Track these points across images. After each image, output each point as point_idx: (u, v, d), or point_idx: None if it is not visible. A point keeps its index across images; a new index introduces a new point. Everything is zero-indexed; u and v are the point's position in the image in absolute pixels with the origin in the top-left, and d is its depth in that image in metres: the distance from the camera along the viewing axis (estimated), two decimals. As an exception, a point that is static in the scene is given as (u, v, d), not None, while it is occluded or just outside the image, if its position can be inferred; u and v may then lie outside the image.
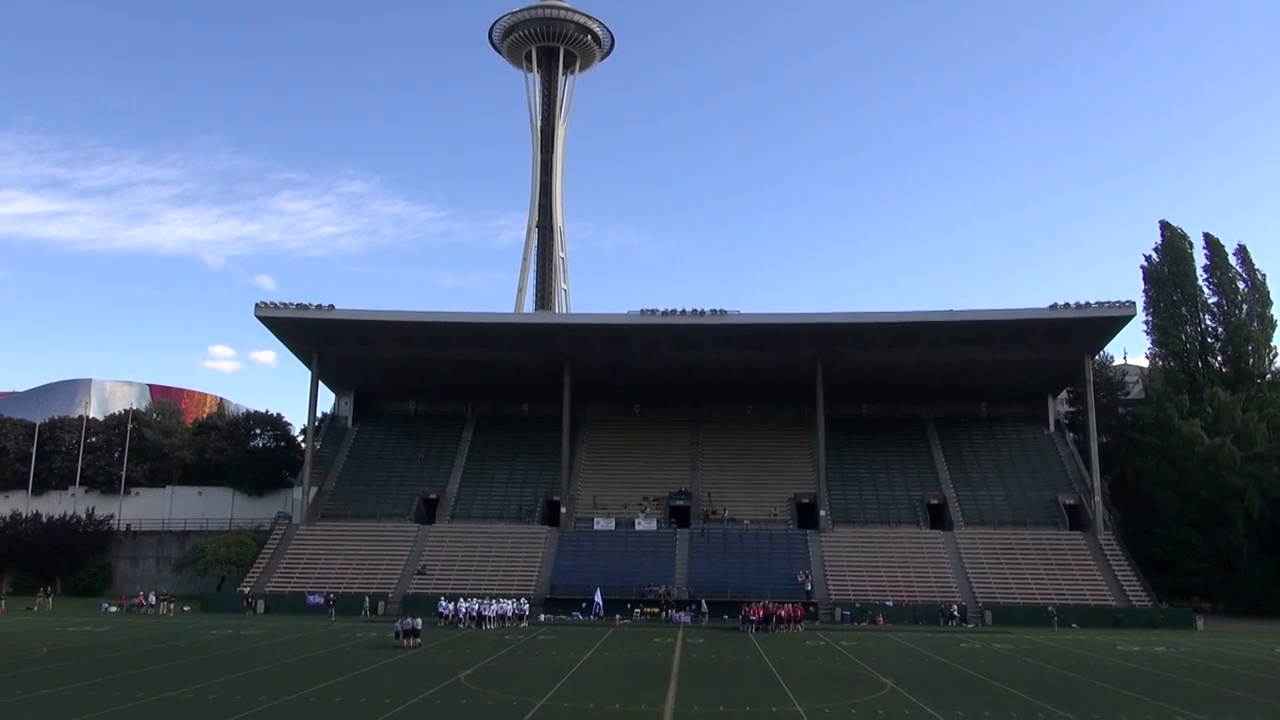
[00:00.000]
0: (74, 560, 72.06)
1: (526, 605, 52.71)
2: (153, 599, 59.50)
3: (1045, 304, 63.07)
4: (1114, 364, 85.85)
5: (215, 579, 67.69)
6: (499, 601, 51.14)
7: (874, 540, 65.37)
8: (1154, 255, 78.05)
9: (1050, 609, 55.40)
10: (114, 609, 58.38)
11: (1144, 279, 77.93)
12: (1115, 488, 73.70)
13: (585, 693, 25.36)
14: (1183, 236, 77.53)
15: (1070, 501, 68.93)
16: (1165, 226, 78.14)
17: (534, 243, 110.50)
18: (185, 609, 58.34)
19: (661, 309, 64.40)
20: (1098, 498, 65.98)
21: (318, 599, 57.20)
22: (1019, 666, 33.81)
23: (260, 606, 57.45)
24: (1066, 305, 62.07)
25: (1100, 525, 65.00)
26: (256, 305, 64.99)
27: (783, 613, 49.91)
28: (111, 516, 75.36)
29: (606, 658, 34.89)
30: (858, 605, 57.13)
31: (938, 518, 69.14)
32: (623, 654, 36.39)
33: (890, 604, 57.30)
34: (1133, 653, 39.47)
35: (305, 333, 67.62)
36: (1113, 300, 62.51)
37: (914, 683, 28.17)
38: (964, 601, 57.81)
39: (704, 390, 76.30)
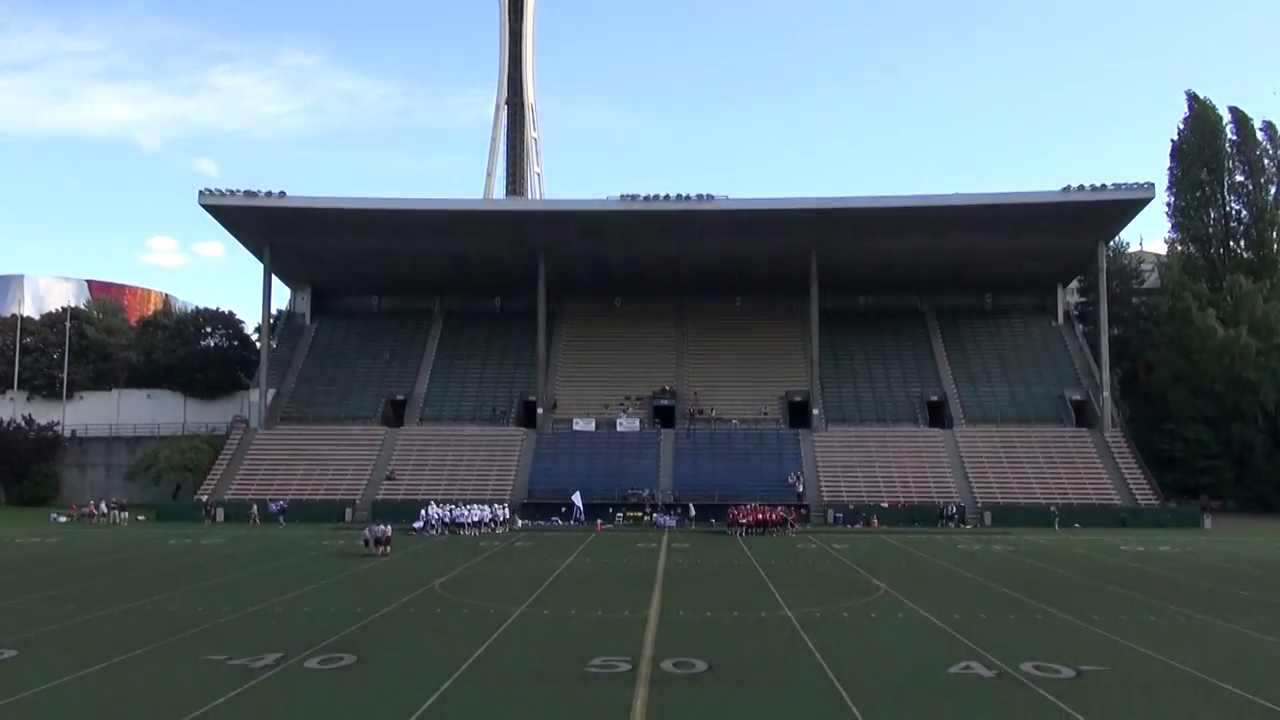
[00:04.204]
0: (18, 469, 72.54)
1: (505, 511, 53.62)
2: (104, 508, 60.16)
3: (1057, 187, 62.93)
4: (1129, 250, 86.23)
5: (170, 487, 68.46)
6: (475, 507, 52.03)
7: (869, 439, 66.56)
8: (1183, 129, 77.60)
9: (1052, 509, 56.94)
10: (64, 519, 59.10)
11: (1171, 155, 77.59)
12: (1125, 383, 74.96)
13: (566, 599, 26.07)
14: (1211, 108, 76.99)
15: (1077, 397, 70.14)
16: (1192, 99, 77.51)
17: (503, 121, 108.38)
18: (139, 518, 59.17)
19: (644, 195, 63.89)
20: (1106, 393, 67.08)
21: (280, 506, 58.00)
22: (1018, 568, 34.94)
23: (220, 515, 58.35)
24: (1080, 188, 61.92)
25: (1108, 422, 66.29)
26: (201, 193, 64.08)
27: (793, 514, 51.81)
28: (56, 423, 75.57)
29: (588, 564, 35.79)
30: (851, 507, 58.55)
31: (937, 415, 70.33)
32: (605, 560, 37.32)
33: (885, 505, 58.72)
34: (1136, 553, 40.78)
35: (255, 223, 66.86)
36: (1130, 182, 62.41)
37: (909, 585, 29.06)
38: (962, 502, 59.31)
39: (690, 282, 76.23)
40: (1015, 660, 17.82)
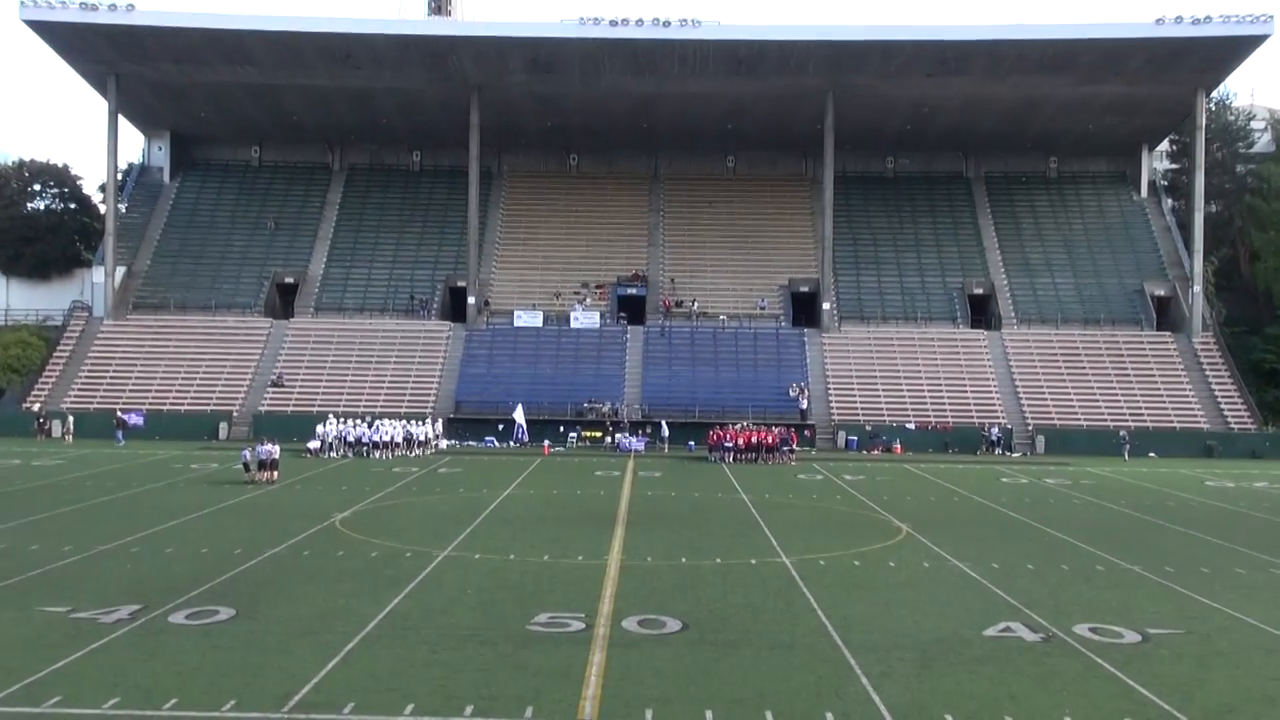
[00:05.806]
0: None
1: (428, 428, 53.79)
2: (-96, 419, 60.00)
3: (1148, 19, 62.48)
4: (1235, 105, 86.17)
5: (-10, 392, 68.15)
6: (387, 423, 52.17)
7: (894, 343, 67.14)
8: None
9: (1122, 434, 57.95)
10: None
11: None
12: (1222, 274, 75.63)
13: (504, 540, 26.35)
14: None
15: (1161, 292, 70.87)
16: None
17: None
18: (-49, 432, 59.07)
19: (610, 18, 62.92)
20: (1197, 287, 67.71)
21: (137, 418, 57.94)
22: (1075, 507, 35.69)
23: (57, 429, 58.24)
24: (1177, 20, 61.51)
25: (1198, 324, 67.13)
26: (22, 4, 62.43)
27: (794, 436, 52.65)
28: None
29: (531, 496, 36.16)
30: (868, 428, 59.36)
31: (981, 313, 70.97)
32: (554, 491, 37.74)
33: (911, 427, 59.60)
34: (1224, 490, 41.80)
35: (95, 45, 65.28)
36: (1242, 14, 62.00)
37: (937, 527, 29.63)
38: (1010, 424, 60.22)
39: (669, 136, 75.71)
40: (1067, 621, 18.31)
